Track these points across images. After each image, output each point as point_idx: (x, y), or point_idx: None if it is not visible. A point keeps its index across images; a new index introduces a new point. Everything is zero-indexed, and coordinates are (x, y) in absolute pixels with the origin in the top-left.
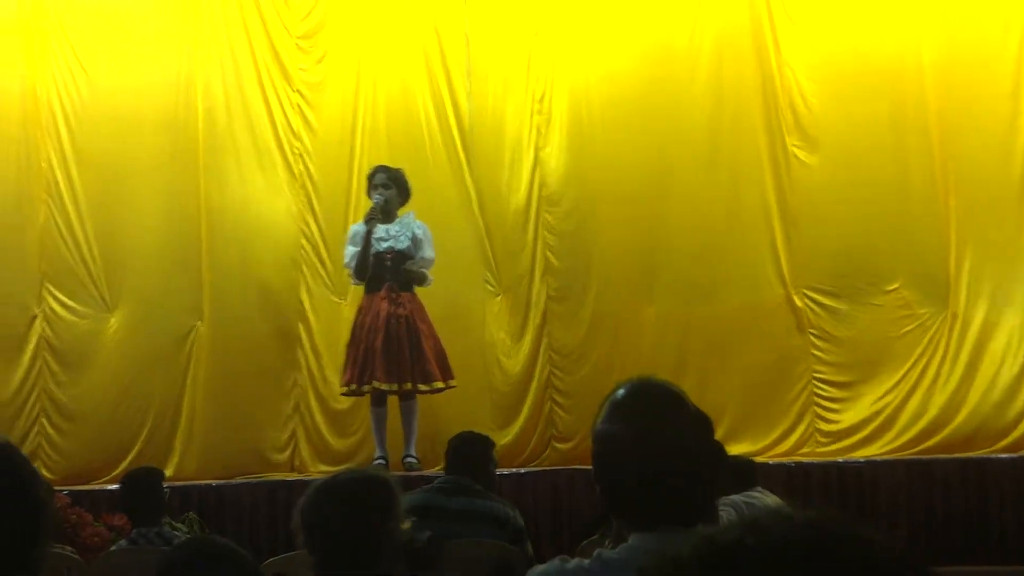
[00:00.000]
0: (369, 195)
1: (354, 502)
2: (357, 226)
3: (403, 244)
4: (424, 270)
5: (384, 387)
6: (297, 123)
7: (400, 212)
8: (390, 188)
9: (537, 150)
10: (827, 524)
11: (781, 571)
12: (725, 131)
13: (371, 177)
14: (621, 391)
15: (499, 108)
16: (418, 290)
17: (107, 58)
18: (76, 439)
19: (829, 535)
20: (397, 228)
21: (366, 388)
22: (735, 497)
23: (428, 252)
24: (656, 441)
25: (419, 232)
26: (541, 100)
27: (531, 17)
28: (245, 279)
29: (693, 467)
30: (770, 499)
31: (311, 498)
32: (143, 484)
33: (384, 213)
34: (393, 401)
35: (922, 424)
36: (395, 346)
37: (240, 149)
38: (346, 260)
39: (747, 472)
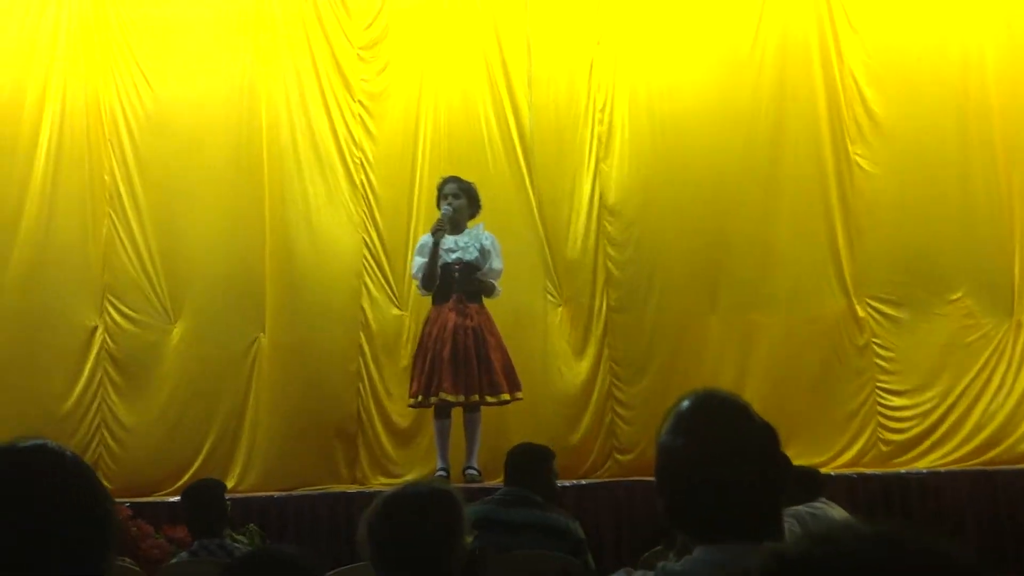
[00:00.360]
0: (438, 205)
1: (421, 516)
2: (426, 237)
3: (471, 255)
4: (493, 281)
5: (451, 399)
6: (359, 133)
7: (469, 224)
8: (460, 199)
9: (598, 160)
10: (898, 536)
11: None
12: (788, 140)
13: (441, 187)
14: (685, 403)
15: (560, 118)
16: (485, 301)
17: (170, 71)
18: (137, 451)
19: (901, 548)
20: (466, 239)
21: (433, 400)
22: (799, 508)
23: (497, 263)
24: (721, 453)
25: (487, 243)
26: (603, 110)
27: (593, 26)
28: (307, 291)
29: (758, 479)
30: (835, 510)
31: (378, 511)
32: (205, 496)
33: (453, 224)
34: (456, 413)
35: (986, 434)
36: (462, 357)
37: (302, 160)
38: (413, 271)
39: (811, 482)
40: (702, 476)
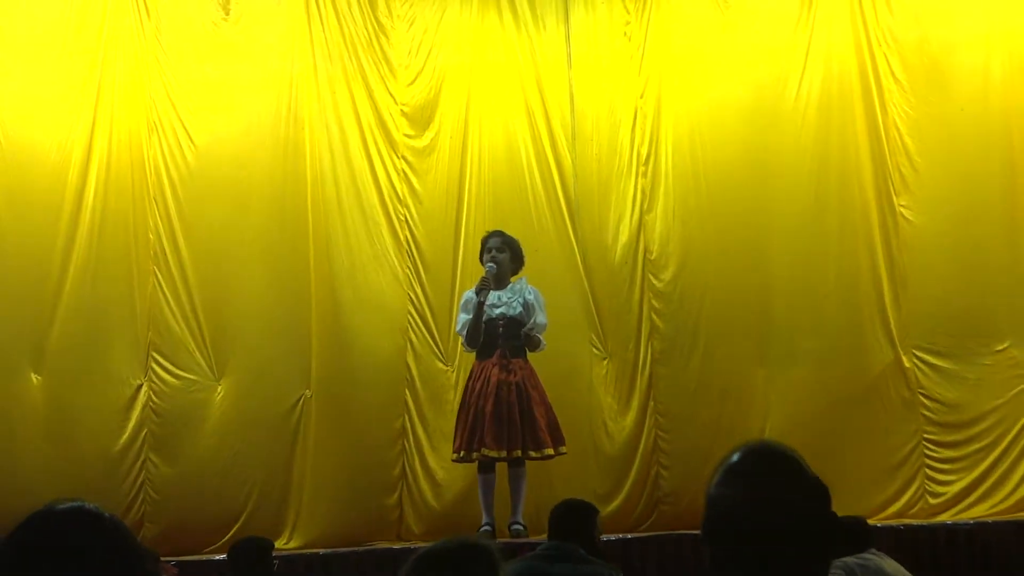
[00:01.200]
0: (481, 259)
1: (455, 570)
2: (469, 293)
3: (515, 310)
4: (539, 335)
5: (493, 454)
6: (403, 190)
7: (513, 279)
8: (503, 252)
9: (642, 212)
10: None
11: None
12: (832, 192)
13: (485, 241)
14: (736, 454)
15: (603, 170)
16: (529, 355)
17: (214, 127)
18: (181, 509)
19: None
20: (509, 295)
21: (476, 455)
22: (848, 560)
23: (541, 318)
24: (770, 506)
25: (531, 298)
26: (646, 162)
27: (635, 79)
28: (353, 347)
29: (807, 533)
30: (887, 562)
31: (413, 566)
32: (252, 554)
33: (496, 279)
34: (501, 467)
35: None
36: (505, 412)
37: (347, 217)
38: (458, 327)
39: (860, 533)
40: (750, 527)
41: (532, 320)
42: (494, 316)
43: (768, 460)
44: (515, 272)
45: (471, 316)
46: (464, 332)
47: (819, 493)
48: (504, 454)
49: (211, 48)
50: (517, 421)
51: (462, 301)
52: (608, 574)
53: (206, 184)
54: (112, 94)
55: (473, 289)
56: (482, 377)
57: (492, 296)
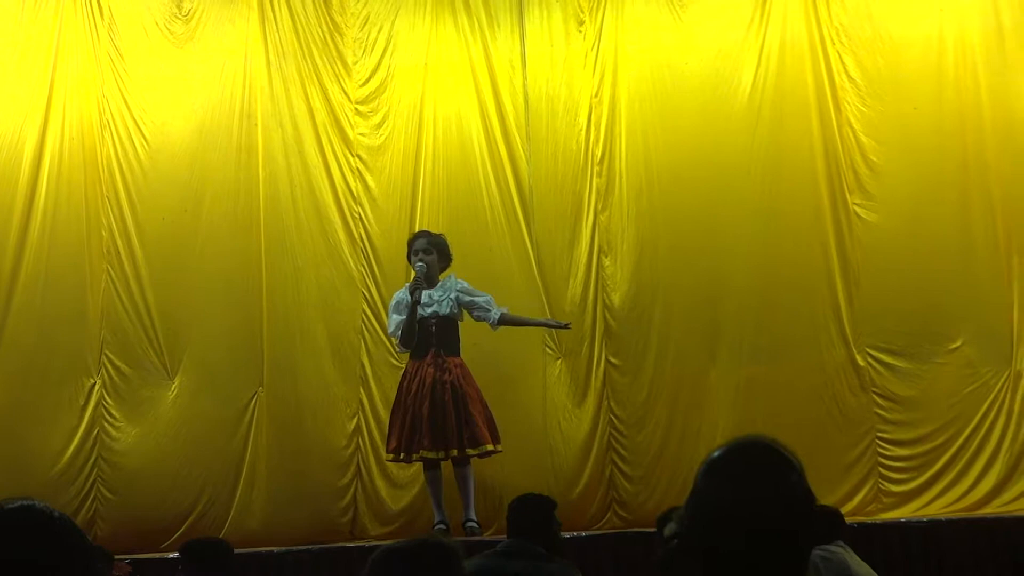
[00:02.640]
0: (410, 260)
1: (416, 570)
2: (400, 294)
3: (447, 309)
4: (491, 310)
5: (431, 455)
6: (357, 188)
7: (441, 276)
8: (431, 253)
9: (596, 213)
10: None
11: None
12: (786, 190)
13: (412, 243)
14: (718, 451)
15: (559, 171)
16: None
17: (167, 125)
18: (134, 506)
19: None
20: (440, 293)
21: (415, 457)
22: (814, 551)
23: (480, 297)
24: (751, 505)
25: (463, 287)
26: (601, 162)
27: (589, 79)
28: (306, 345)
29: (787, 534)
30: (851, 556)
31: (373, 568)
32: (208, 553)
33: (427, 279)
34: (448, 466)
35: (990, 484)
36: (440, 413)
37: (300, 214)
38: (391, 329)
39: (832, 523)
40: (731, 526)
41: (476, 301)
42: (426, 315)
43: (752, 457)
44: (443, 270)
45: (404, 317)
46: (398, 333)
47: (802, 493)
48: (442, 455)
49: (164, 46)
50: (452, 420)
51: (393, 302)
52: (566, 571)
53: (159, 182)
54: (65, 92)
55: (404, 290)
56: (417, 377)
57: (423, 296)
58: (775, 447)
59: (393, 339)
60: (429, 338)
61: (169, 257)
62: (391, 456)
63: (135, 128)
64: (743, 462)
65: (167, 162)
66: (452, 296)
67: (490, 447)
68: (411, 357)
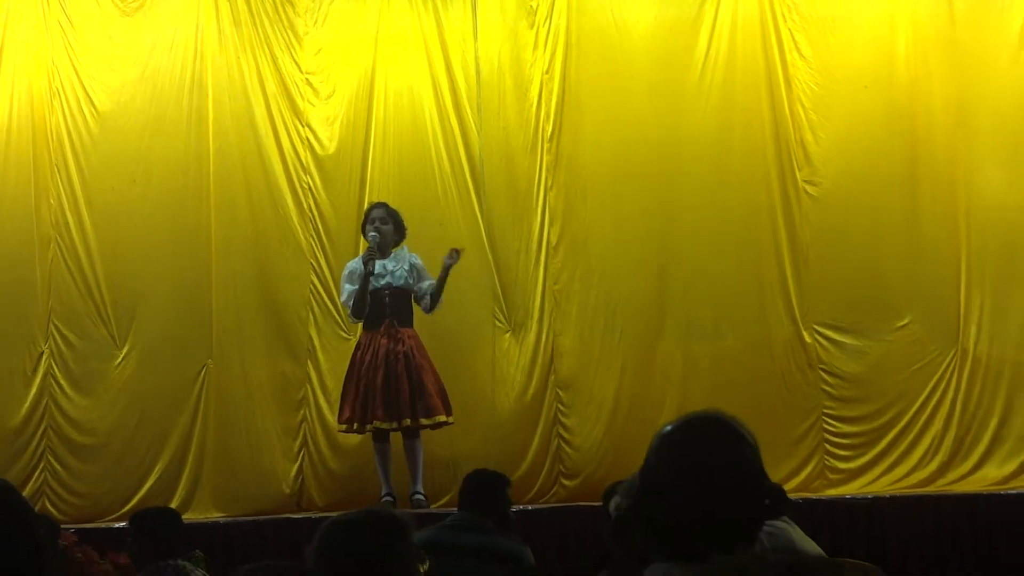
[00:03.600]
0: (363, 230)
1: (364, 541)
2: (354, 263)
3: (400, 280)
4: (429, 296)
5: (384, 426)
6: (307, 159)
7: (394, 249)
8: (387, 224)
9: (546, 188)
10: (805, 563)
11: None
12: (735, 167)
13: (368, 213)
14: (673, 424)
15: (510, 144)
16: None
17: (117, 95)
18: (83, 477)
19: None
20: (393, 264)
21: (369, 427)
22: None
23: (427, 282)
24: (702, 477)
25: (417, 263)
26: (550, 139)
27: (541, 54)
28: (255, 316)
29: (738, 504)
30: (797, 532)
31: (320, 538)
32: (158, 523)
33: (380, 250)
34: (397, 438)
35: (936, 462)
36: (394, 383)
37: (251, 186)
38: (343, 298)
39: (774, 499)
40: (682, 500)
41: (421, 284)
42: (380, 286)
43: (706, 431)
44: (398, 243)
45: (356, 287)
46: (350, 303)
47: (754, 468)
48: (395, 425)
49: (114, 14)
50: (406, 391)
51: (345, 272)
52: (514, 547)
53: (109, 152)
54: (13, 60)
55: (357, 260)
56: (371, 348)
57: (377, 266)
58: (730, 422)
59: (345, 309)
60: (383, 309)
61: (118, 228)
62: (344, 427)
63: (84, 97)
64: (697, 435)
65: (117, 132)
66: (406, 267)
67: (443, 418)
68: (364, 328)
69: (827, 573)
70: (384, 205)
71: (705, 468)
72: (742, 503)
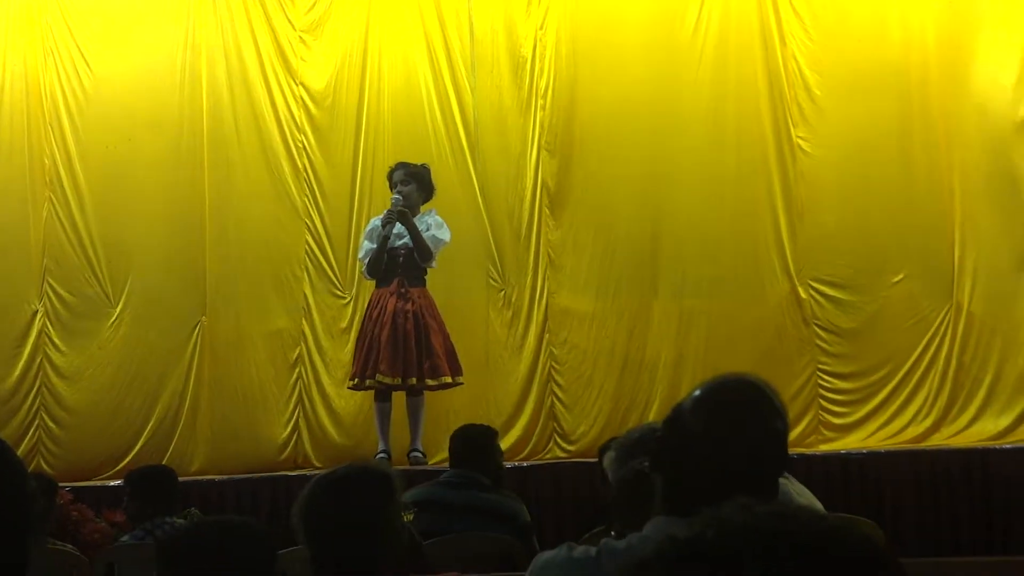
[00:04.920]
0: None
1: (351, 495)
2: (376, 220)
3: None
4: (431, 247)
5: (388, 381)
6: (301, 118)
7: (423, 209)
8: (409, 184)
9: (540, 147)
10: (790, 517)
11: (736, 564)
12: (730, 125)
13: (391, 175)
14: (708, 385)
15: (504, 103)
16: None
17: (111, 54)
18: (78, 434)
19: (789, 527)
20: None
21: (370, 382)
22: None
23: (441, 234)
24: (729, 440)
25: (431, 221)
26: (544, 95)
27: (535, 11)
28: (249, 275)
29: (759, 469)
30: (795, 486)
31: (309, 492)
32: (155, 482)
33: (400, 214)
34: (399, 397)
35: (931, 418)
36: (401, 340)
37: (245, 145)
38: (360, 254)
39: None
40: (711, 461)
41: (432, 233)
42: (397, 246)
43: (741, 398)
44: (425, 201)
45: (375, 245)
46: (366, 260)
47: (783, 440)
48: (399, 381)
49: None
50: (413, 349)
51: (368, 228)
52: (509, 503)
53: (103, 110)
54: (7, 20)
55: (380, 217)
56: (379, 305)
57: (398, 227)
58: (766, 391)
59: (360, 264)
60: (395, 268)
61: (112, 186)
62: (351, 383)
63: (79, 56)
64: (733, 401)
65: (111, 91)
66: (424, 227)
67: (448, 379)
68: (376, 285)
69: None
70: (404, 165)
71: (736, 434)
72: (763, 470)
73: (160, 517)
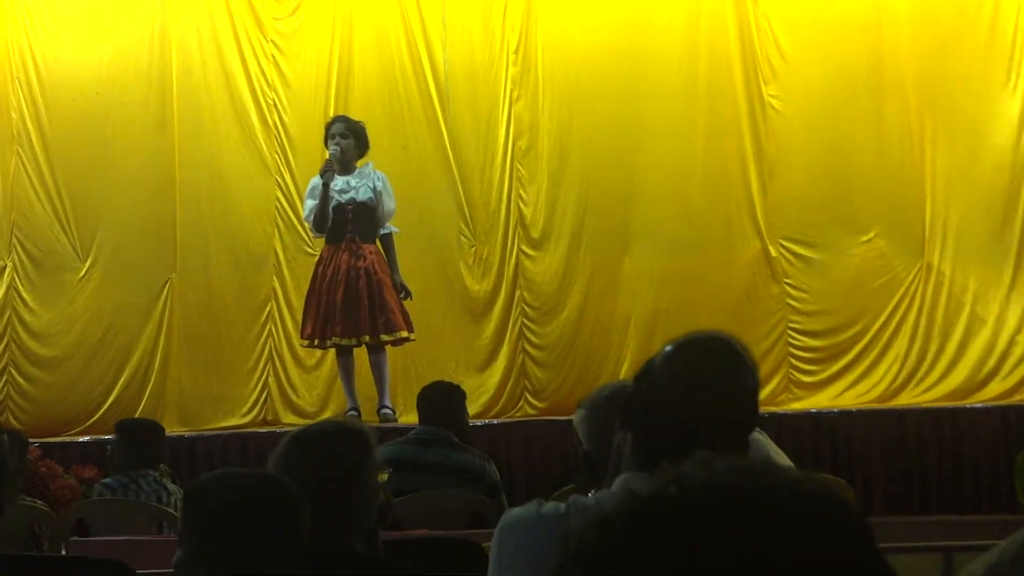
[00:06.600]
0: (326, 145)
1: (327, 453)
2: (315, 179)
3: (364, 195)
4: (389, 223)
5: (344, 342)
6: (272, 74)
7: (359, 164)
8: (348, 138)
9: (512, 102)
10: (753, 472)
11: (698, 519)
12: (701, 82)
13: (329, 127)
14: (679, 341)
15: (475, 58)
16: (397, 241)
17: (80, 10)
18: (47, 390)
19: (752, 483)
20: (357, 179)
21: (329, 343)
22: None
23: (389, 204)
24: (697, 394)
25: (379, 184)
26: (516, 51)
27: None
28: (219, 232)
29: (729, 425)
30: (769, 444)
31: (284, 449)
32: (148, 432)
33: (341, 164)
34: (361, 354)
35: (901, 376)
36: (354, 299)
37: (215, 101)
38: (304, 214)
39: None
40: (683, 415)
41: (381, 208)
42: (343, 202)
43: (712, 354)
44: (360, 157)
45: (317, 201)
46: (311, 218)
47: (754, 396)
48: (354, 342)
49: None
50: (365, 306)
51: (308, 187)
52: (480, 462)
53: (70, 64)
54: None
55: (318, 175)
56: (332, 263)
57: (340, 182)
58: (736, 347)
59: (307, 223)
60: (345, 224)
61: (80, 140)
62: (306, 342)
63: (46, 9)
64: (703, 357)
65: (78, 44)
66: (370, 184)
67: (404, 334)
68: (326, 242)
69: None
70: (344, 119)
71: (708, 389)
72: (733, 426)
73: (143, 469)
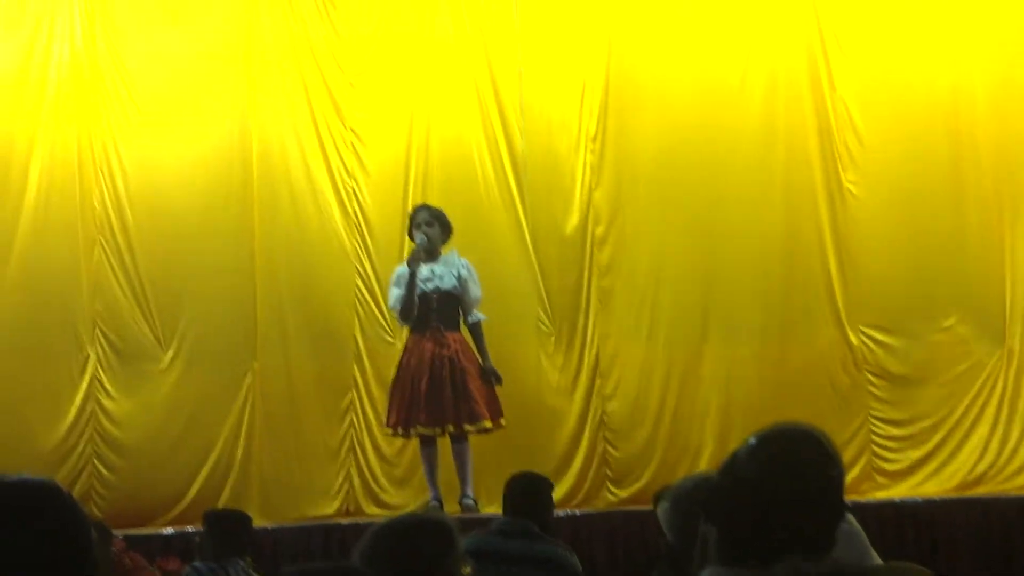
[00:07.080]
0: (411, 234)
1: (409, 546)
2: (401, 268)
3: (449, 284)
4: (476, 310)
5: (427, 432)
6: (351, 162)
7: (444, 250)
8: (432, 226)
9: (590, 189)
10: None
11: None
12: (779, 168)
13: (413, 216)
14: (764, 433)
15: (553, 146)
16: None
17: (163, 99)
18: (130, 481)
19: None
20: (442, 267)
21: (413, 432)
22: None
23: (475, 291)
24: (785, 489)
25: (464, 271)
26: (594, 139)
27: (585, 55)
28: (300, 320)
29: (815, 520)
30: (857, 528)
31: (367, 543)
32: (236, 522)
33: (427, 252)
34: (444, 443)
35: (982, 463)
36: (438, 388)
37: (294, 189)
38: (391, 303)
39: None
40: (769, 508)
41: (467, 296)
42: (428, 290)
43: (797, 446)
44: (445, 242)
45: (403, 290)
46: (398, 307)
47: (839, 489)
48: (438, 431)
49: (159, 16)
50: (450, 396)
51: (394, 276)
52: (560, 553)
53: (153, 155)
54: (61, 71)
55: (404, 264)
56: (416, 352)
57: (425, 270)
58: (821, 440)
59: (393, 312)
60: (430, 313)
61: (162, 230)
62: (390, 431)
63: (130, 101)
64: (788, 451)
65: (160, 132)
66: (455, 272)
67: (488, 424)
68: (411, 331)
69: None
70: (427, 207)
71: (793, 482)
72: (819, 520)
73: (232, 557)
